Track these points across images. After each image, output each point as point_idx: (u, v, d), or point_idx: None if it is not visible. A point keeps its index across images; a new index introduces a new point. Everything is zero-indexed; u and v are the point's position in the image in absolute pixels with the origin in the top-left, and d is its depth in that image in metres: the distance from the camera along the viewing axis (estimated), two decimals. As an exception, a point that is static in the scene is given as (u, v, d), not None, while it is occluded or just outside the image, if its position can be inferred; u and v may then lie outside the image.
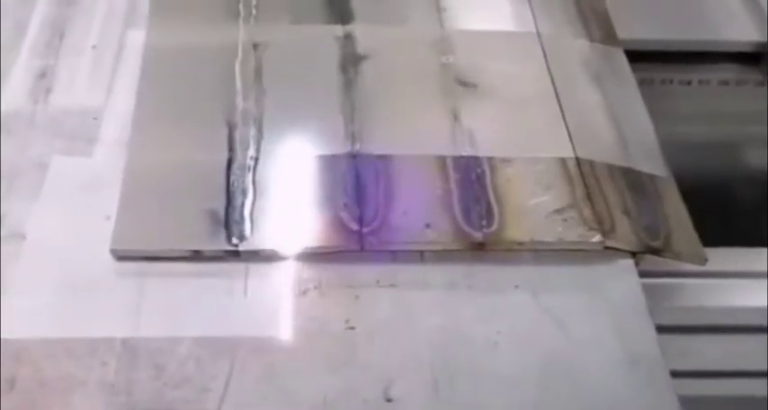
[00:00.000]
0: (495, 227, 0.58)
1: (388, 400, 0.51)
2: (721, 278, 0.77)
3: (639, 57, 0.78)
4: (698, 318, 0.71)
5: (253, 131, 0.63)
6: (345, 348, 0.53)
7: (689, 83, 1.06)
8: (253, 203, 0.59)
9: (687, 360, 0.64)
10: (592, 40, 0.74)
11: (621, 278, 0.57)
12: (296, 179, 0.61)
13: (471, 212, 0.59)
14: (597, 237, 0.58)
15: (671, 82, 1.05)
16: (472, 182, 0.61)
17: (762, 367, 0.75)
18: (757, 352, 0.76)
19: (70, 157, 0.62)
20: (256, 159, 0.61)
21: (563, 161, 0.62)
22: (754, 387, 0.77)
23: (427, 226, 0.58)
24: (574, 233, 0.58)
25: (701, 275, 0.74)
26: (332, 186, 0.60)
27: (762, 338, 0.76)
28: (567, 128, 0.65)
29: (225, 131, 0.63)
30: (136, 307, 0.54)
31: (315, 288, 0.56)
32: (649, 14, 0.96)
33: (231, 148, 0.62)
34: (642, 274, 0.58)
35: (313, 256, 0.57)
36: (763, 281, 0.76)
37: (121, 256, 0.56)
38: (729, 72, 1.05)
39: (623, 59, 0.73)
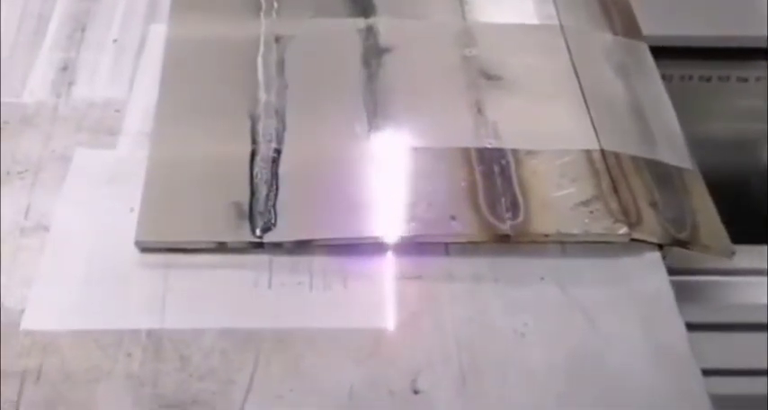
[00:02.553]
0: (520, 219, 0.58)
1: (416, 392, 0.50)
2: (724, 275, 0.76)
3: (659, 53, 0.77)
4: (704, 316, 0.71)
5: (276, 124, 0.63)
6: (371, 340, 0.53)
7: (708, 79, 1.05)
8: (276, 195, 0.58)
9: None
10: (615, 33, 0.73)
11: (648, 270, 0.57)
12: (319, 171, 0.60)
13: (496, 204, 0.58)
14: (623, 229, 0.57)
15: (690, 78, 1.05)
16: (497, 174, 0.60)
17: (762, 365, 0.75)
18: (758, 349, 0.75)
19: (93, 150, 0.62)
20: (279, 151, 0.61)
21: (588, 153, 0.62)
22: (755, 386, 0.76)
23: (452, 218, 0.58)
24: (600, 225, 0.57)
25: (702, 272, 0.74)
26: (355, 178, 0.60)
27: (762, 336, 0.75)
28: (591, 120, 0.64)
29: (248, 124, 0.63)
30: (161, 298, 0.54)
31: (339, 280, 0.55)
32: (669, 10, 0.96)
33: (254, 141, 0.62)
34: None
35: (337, 248, 0.57)
36: (764, 279, 0.76)
37: (146, 248, 0.56)
38: (750, 69, 1.04)
39: (647, 52, 0.73)
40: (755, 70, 1.05)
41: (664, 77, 0.75)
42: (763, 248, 0.80)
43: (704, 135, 1.03)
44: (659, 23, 0.84)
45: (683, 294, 0.62)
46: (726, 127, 1.10)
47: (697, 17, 1.00)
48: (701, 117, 1.05)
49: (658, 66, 0.74)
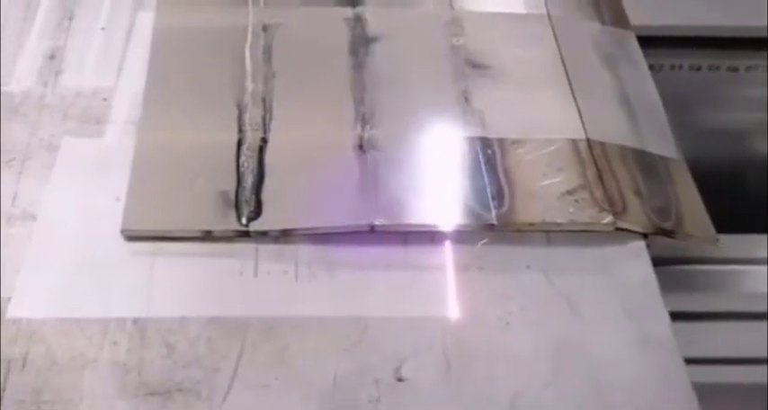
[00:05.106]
0: (505, 208, 0.58)
1: (399, 380, 0.51)
2: (724, 264, 0.76)
3: (649, 42, 0.77)
4: (699, 305, 0.71)
5: (262, 113, 0.63)
6: (356, 329, 0.53)
7: (698, 68, 1.05)
8: (263, 184, 0.59)
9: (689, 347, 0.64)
10: (603, 22, 0.73)
11: (633, 259, 0.57)
12: (306, 160, 0.60)
13: (482, 193, 0.58)
14: (608, 218, 0.57)
15: (680, 67, 1.05)
16: (483, 163, 0.60)
17: (763, 354, 0.75)
18: (758, 338, 0.75)
19: (80, 139, 0.62)
20: (266, 140, 0.61)
21: (574, 142, 0.62)
22: (756, 375, 0.77)
23: (438, 207, 0.58)
24: (585, 214, 0.58)
25: (702, 261, 0.74)
26: (342, 167, 0.60)
27: (762, 325, 0.75)
28: (578, 109, 0.64)
29: (235, 113, 0.63)
30: (147, 286, 0.54)
31: (325, 269, 0.56)
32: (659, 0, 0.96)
33: (241, 130, 0.62)
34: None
35: (323, 237, 0.57)
36: (764, 268, 0.75)
37: (132, 237, 0.56)
38: (739, 58, 1.04)
39: (634, 42, 0.73)
40: (746, 60, 1.05)
41: (653, 67, 0.75)
42: (762, 237, 0.80)
43: (695, 124, 1.03)
44: (649, 13, 0.84)
45: (683, 283, 0.62)
46: (717, 116, 1.10)
47: (687, 6, 1.00)
48: (692, 107, 1.05)
49: (648, 55, 0.74)
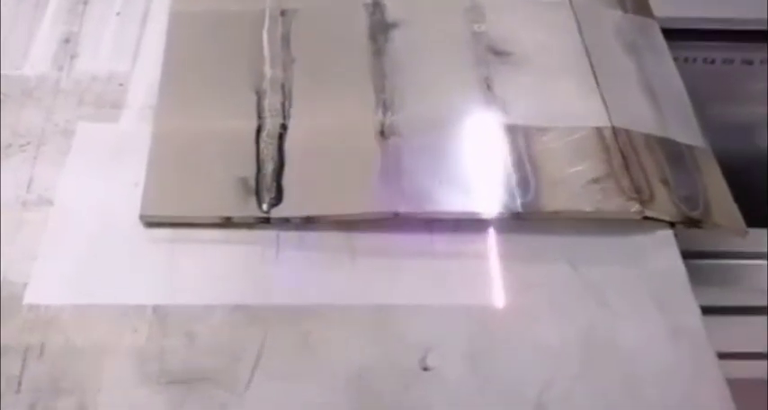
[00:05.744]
0: (531, 196, 0.57)
1: (425, 369, 0.50)
2: (724, 259, 0.76)
3: (663, 34, 0.76)
4: (699, 300, 0.70)
5: (282, 99, 0.62)
6: (380, 317, 0.52)
7: (712, 62, 1.04)
8: (283, 171, 0.57)
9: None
10: (625, 10, 0.72)
11: (661, 249, 0.56)
12: (327, 146, 0.59)
13: (507, 182, 0.57)
14: (636, 207, 0.56)
15: (694, 60, 1.04)
16: (507, 150, 0.59)
17: (762, 349, 0.74)
18: (759, 333, 0.75)
19: (96, 124, 0.61)
20: (286, 127, 0.60)
21: (599, 130, 0.61)
22: (754, 370, 0.76)
23: (463, 195, 0.57)
24: (612, 203, 0.57)
25: (702, 256, 0.73)
26: (364, 154, 0.59)
27: (762, 320, 0.75)
28: (602, 97, 0.63)
29: (253, 99, 0.62)
30: (167, 273, 0.53)
31: (348, 256, 0.54)
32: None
33: (260, 116, 0.61)
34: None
35: (346, 224, 0.56)
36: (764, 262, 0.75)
37: (151, 223, 0.55)
38: (754, 51, 1.03)
39: (657, 30, 0.71)
40: (761, 53, 1.04)
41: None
42: (763, 232, 0.79)
43: (707, 117, 1.02)
44: (665, 4, 0.83)
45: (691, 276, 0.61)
46: (729, 109, 1.09)
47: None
48: (705, 99, 1.04)
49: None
